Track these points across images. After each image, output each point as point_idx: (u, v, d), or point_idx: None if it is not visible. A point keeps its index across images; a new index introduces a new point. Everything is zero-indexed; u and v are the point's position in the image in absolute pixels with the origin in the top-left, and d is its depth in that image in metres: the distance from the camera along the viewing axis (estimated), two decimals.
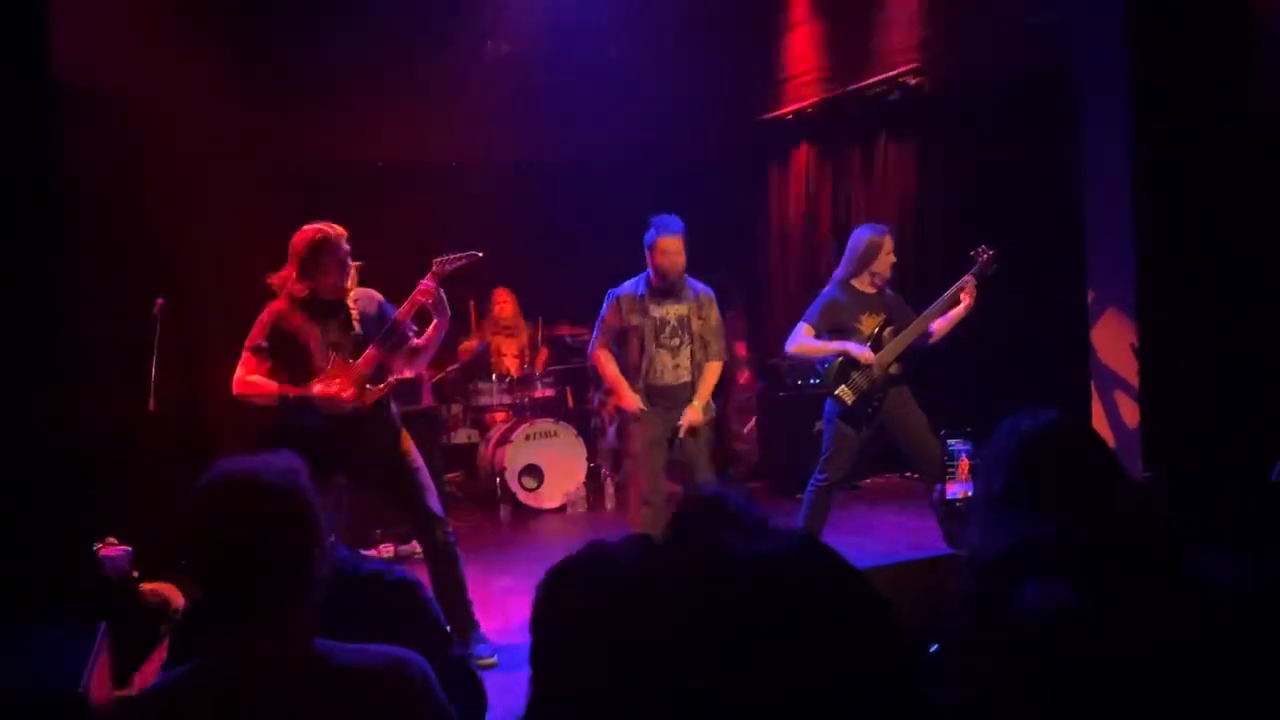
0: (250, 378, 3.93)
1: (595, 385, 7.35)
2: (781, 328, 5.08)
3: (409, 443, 4.12)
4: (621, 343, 4.75)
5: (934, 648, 1.86)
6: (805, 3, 7.58)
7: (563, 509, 6.97)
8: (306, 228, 3.95)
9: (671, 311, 4.68)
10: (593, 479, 7.26)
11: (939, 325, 4.78)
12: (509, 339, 7.47)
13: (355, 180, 7.10)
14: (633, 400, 4.65)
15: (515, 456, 6.81)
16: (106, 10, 5.46)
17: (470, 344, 7.39)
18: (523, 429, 6.88)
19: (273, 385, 3.93)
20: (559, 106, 7.45)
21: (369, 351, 3.97)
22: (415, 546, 5.60)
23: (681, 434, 4.58)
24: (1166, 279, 4.53)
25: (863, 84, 6.97)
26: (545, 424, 6.97)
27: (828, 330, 4.80)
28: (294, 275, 3.92)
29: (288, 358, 3.97)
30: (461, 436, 7.41)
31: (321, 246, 3.90)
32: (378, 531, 5.82)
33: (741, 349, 7.85)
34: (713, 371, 4.72)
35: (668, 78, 7.48)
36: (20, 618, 2.98)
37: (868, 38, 6.94)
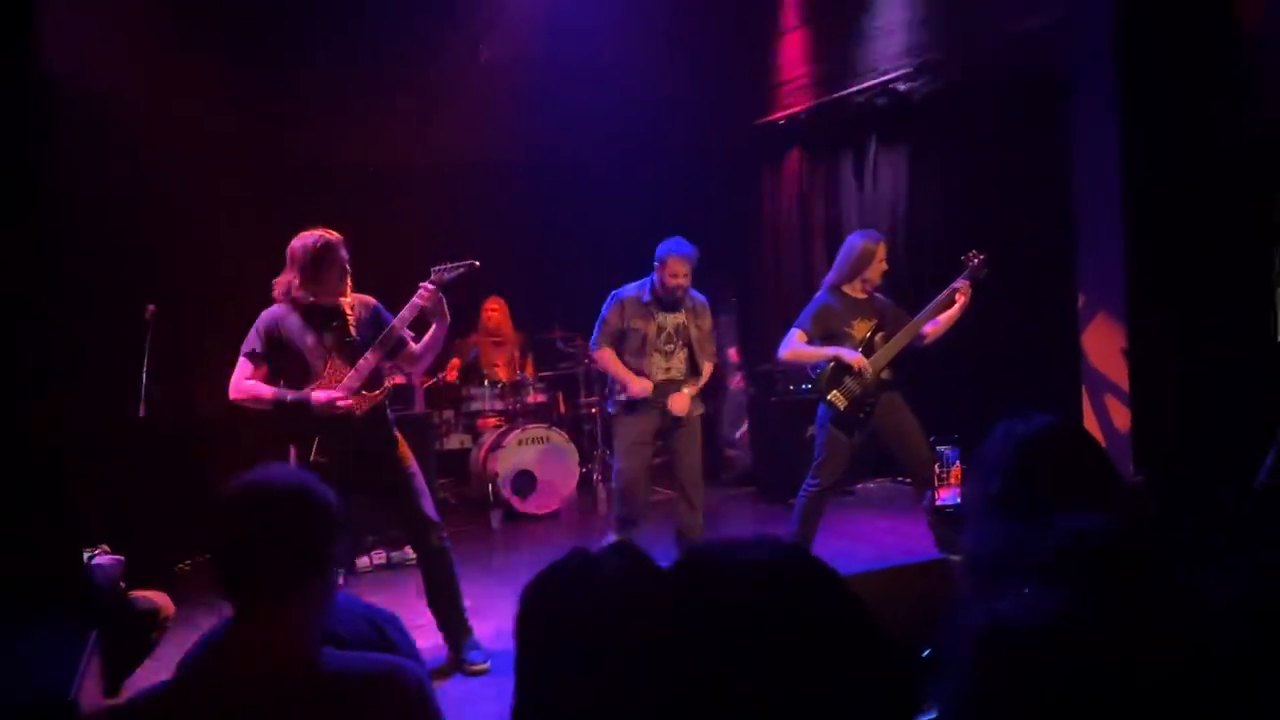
0: (246, 382, 3.92)
1: (587, 388, 7.35)
2: (774, 333, 5.09)
3: (405, 448, 4.12)
4: (620, 342, 5.02)
5: (927, 652, 1.86)
6: (797, 8, 7.61)
7: (555, 515, 6.97)
8: (306, 233, 3.94)
9: (670, 320, 4.99)
10: (585, 484, 7.25)
11: (931, 330, 4.80)
12: (499, 347, 7.46)
13: (348, 184, 7.09)
14: (641, 384, 4.93)
15: (507, 462, 6.81)
16: (100, 12, 5.45)
17: (457, 360, 7.37)
18: (515, 435, 6.88)
19: (269, 390, 3.92)
20: (553, 111, 7.46)
21: (366, 357, 3.96)
22: (408, 552, 5.59)
23: (671, 407, 4.92)
24: (1156, 283, 4.55)
25: (854, 89, 6.99)
26: (537, 430, 6.96)
27: (820, 336, 4.81)
28: (295, 280, 3.91)
29: (284, 363, 3.96)
30: (454, 442, 7.40)
31: (323, 252, 3.90)
32: (370, 538, 5.80)
33: (734, 354, 7.86)
34: (705, 370, 5.04)
35: (661, 83, 7.50)
36: (11, 626, 2.96)
37: (859, 43, 6.96)
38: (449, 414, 7.40)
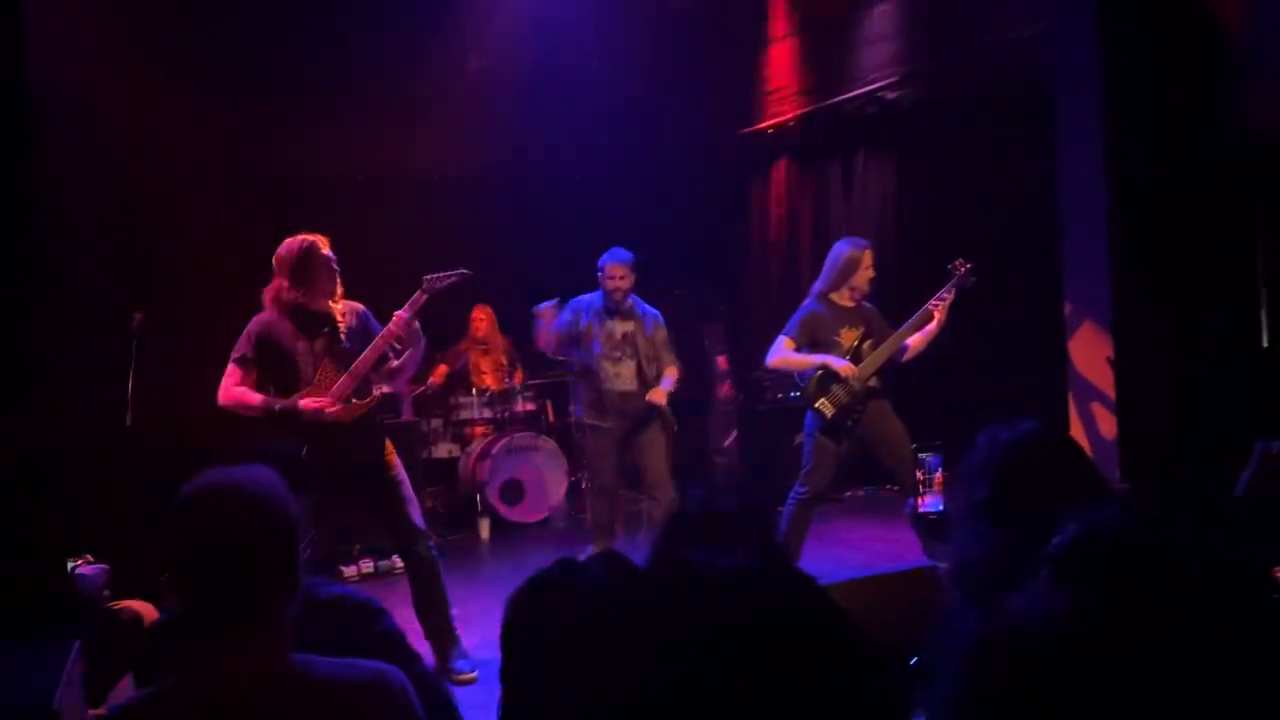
0: (236, 388, 3.92)
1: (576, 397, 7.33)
2: (762, 341, 5.10)
3: (394, 456, 4.11)
4: (575, 346, 5.30)
5: (915, 660, 1.86)
6: (785, 18, 7.63)
7: (544, 523, 6.95)
8: (291, 239, 3.96)
9: (619, 328, 5.22)
10: (573, 493, 7.24)
11: (917, 338, 4.81)
12: (487, 355, 7.44)
13: (336, 193, 7.07)
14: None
15: (495, 471, 6.79)
16: (86, 25, 5.43)
17: (444, 367, 7.34)
18: (503, 443, 6.86)
19: (258, 396, 3.92)
20: (541, 120, 7.45)
21: (355, 365, 3.96)
22: (395, 562, 5.57)
23: (649, 397, 5.11)
24: (1143, 290, 4.57)
25: (842, 99, 7.02)
26: (526, 438, 6.95)
27: (807, 343, 4.82)
28: (285, 285, 3.91)
29: (274, 369, 3.96)
30: (442, 451, 7.37)
31: (310, 255, 3.92)
32: (357, 547, 5.77)
33: (722, 362, 7.86)
34: (672, 373, 5.24)
35: (649, 92, 7.51)
36: None
37: (846, 53, 6.99)
38: (437, 422, 7.37)
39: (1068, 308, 4.92)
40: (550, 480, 6.93)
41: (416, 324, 4.05)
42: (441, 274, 4.10)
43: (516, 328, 7.54)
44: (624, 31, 7.26)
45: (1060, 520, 1.42)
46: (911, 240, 6.76)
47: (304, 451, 3.88)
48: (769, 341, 4.92)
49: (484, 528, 6.85)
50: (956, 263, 4.82)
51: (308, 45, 6.53)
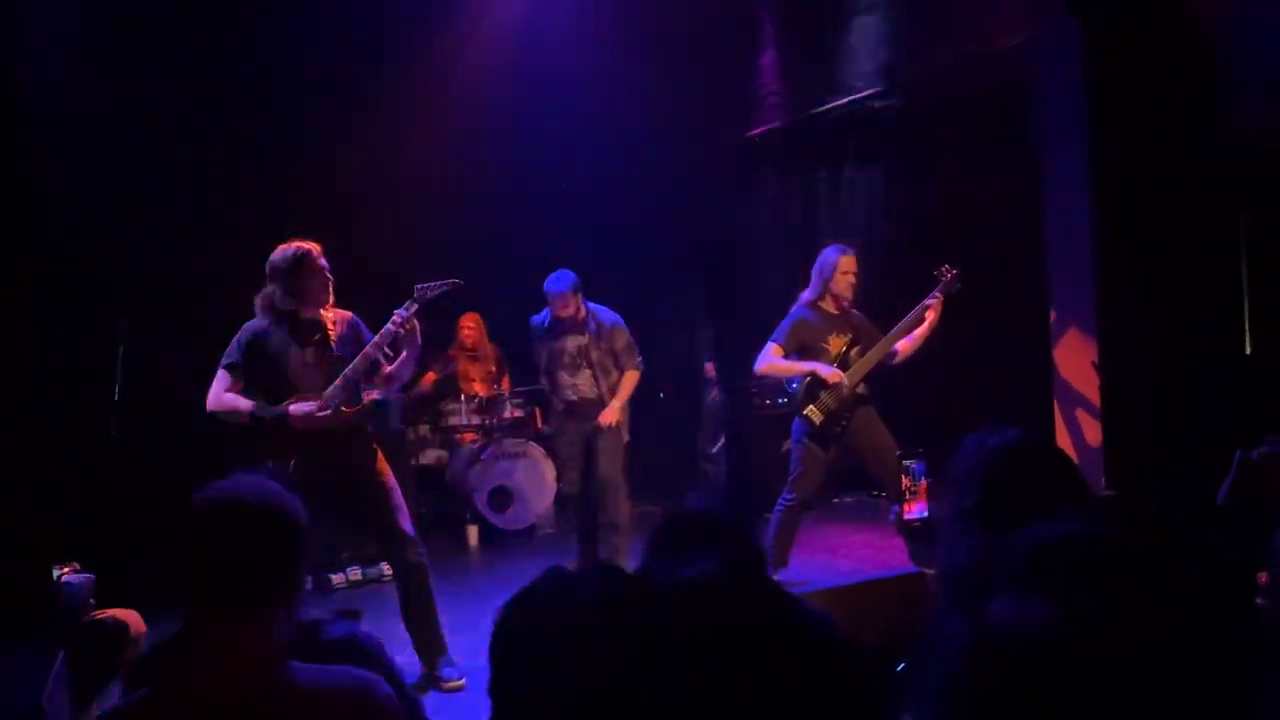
0: (225, 394, 3.90)
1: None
2: (750, 348, 5.11)
3: (384, 463, 4.10)
4: (537, 361, 5.53)
5: (901, 666, 1.87)
6: (772, 27, 7.67)
7: (532, 530, 6.94)
8: (285, 246, 3.94)
9: (571, 342, 5.33)
10: (562, 500, 7.23)
11: (904, 345, 4.83)
12: (475, 362, 7.43)
13: (325, 199, 7.05)
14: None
15: (484, 477, 6.78)
16: (74, 27, 5.41)
17: (432, 375, 7.33)
18: (492, 450, 6.85)
19: (248, 403, 3.90)
20: (529, 127, 7.45)
21: (346, 372, 3.96)
22: (383, 569, 5.55)
23: (600, 421, 5.21)
24: (1127, 297, 4.60)
25: (829, 106, 7.05)
26: (514, 445, 6.94)
27: (796, 350, 4.84)
28: (278, 291, 3.90)
29: (264, 375, 3.94)
30: (430, 457, 7.35)
31: (303, 262, 3.91)
32: (344, 555, 5.76)
33: (710, 368, 7.87)
34: (628, 379, 5.32)
35: (639, 99, 7.51)
36: None
37: (833, 61, 7.02)
38: (425, 429, 7.36)
39: (1052, 314, 4.96)
40: (538, 487, 6.92)
41: (416, 325, 4.03)
42: (433, 283, 4.10)
43: (505, 335, 7.56)
44: (613, 40, 7.27)
45: (1039, 524, 1.43)
46: (897, 247, 6.79)
47: (290, 467, 3.86)
48: (757, 348, 4.94)
49: (472, 535, 6.84)
50: (943, 268, 4.85)
51: (298, 51, 6.51)
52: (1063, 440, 4.80)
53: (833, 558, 5.72)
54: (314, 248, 3.95)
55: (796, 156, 7.68)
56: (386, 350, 4.07)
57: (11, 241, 3.24)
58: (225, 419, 3.93)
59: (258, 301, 3.96)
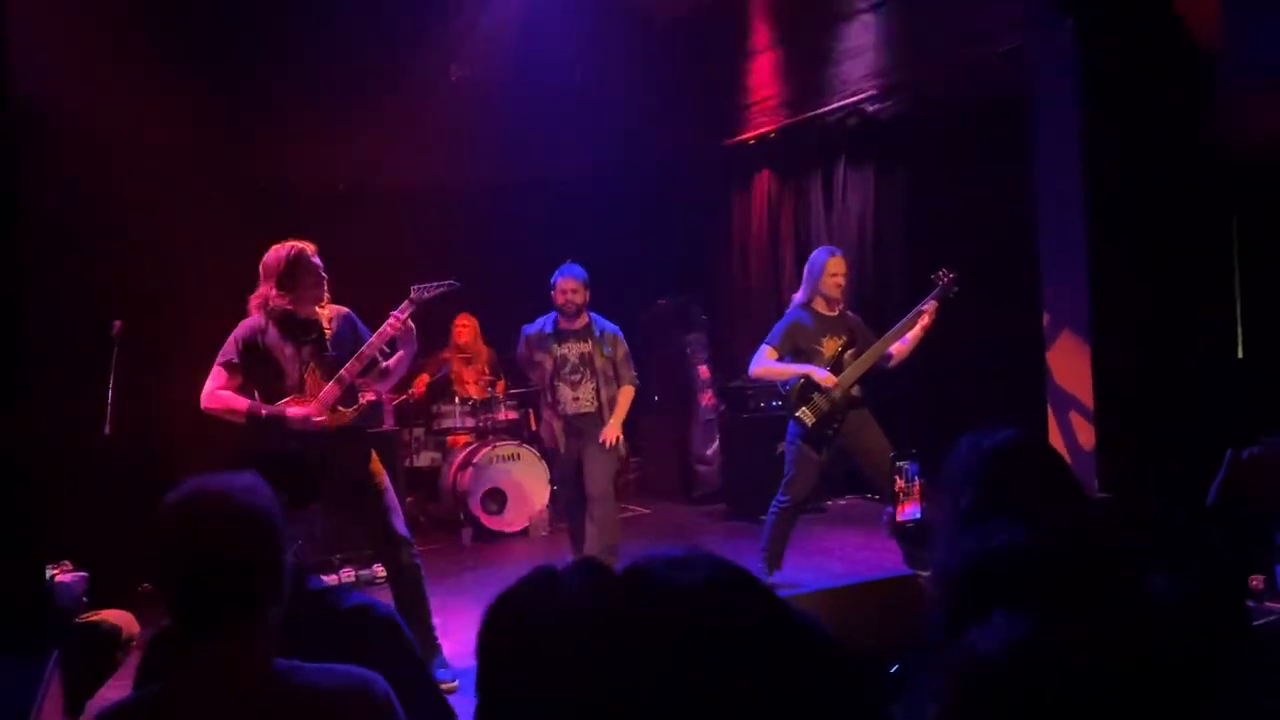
0: (221, 392, 3.90)
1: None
2: (744, 351, 5.12)
3: (379, 464, 4.11)
4: (531, 374, 5.40)
5: (894, 668, 1.87)
6: (767, 31, 7.68)
7: (525, 532, 6.94)
8: (278, 245, 3.96)
9: (574, 349, 5.14)
10: (555, 502, 7.22)
11: (899, 348, 4.84)
12: (469, 364, 7.42)
13: (318, 202, 7.05)
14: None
15: (477, 479, 6.78)
16: (68, 31, 5.40)
17: (424, 377, 7.32)
18: (485, 452, 6.85)
19: (243, 401, 3.90)
20: (522, 130, 7.46)
21: (341, 373, 3.95)
22: (376, 570, 5.54)
23: (602, 439, 5.04)
24: (1121, 301, 4.61)
25: (823, 110, 7.06)
26: (508, 447, 6.94)
27: (789, 353, 4.84)
28: (273, 291, 3.90)
29: (259, 374, 3.94)
30: (424, 459, 7.35)
31: (297, 261, 3.91)
32: (337, 556, 5.75)
33: (704, 371, 7.88)
34: (625, 395, 5.14)
35: (631, 103, 7.53)
36: None
37: (827, 65, 7.04)
38: (419, 431, 7.36)
39: (1046, 318, 4.96)
40: (532, 489, 6.92)
41: (413, 325, 4.05)
42: (429, 285, 4.11)
43: (499, 337, 7.55)
44: (606, 43, 7.28)
45: (1039, 529, 1.43)
46: (891, 251, 6.80)
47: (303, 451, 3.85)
48: (751, 351, 4.95)
49: (465, 536, 6.84)
50: (940, 272, 4.86)
51: (290, 54, 6.52)
52: (1056, 443, 4.80)
53: (827, 560, 5.73)
54: (308, 246, 3.96)
55: (791, 160, 7.69)
56: (384, 349, 4.07)
57: (6, 241, 3.23)
58: (220, 417, 3.92)
59: (252, 301, 3.96)
